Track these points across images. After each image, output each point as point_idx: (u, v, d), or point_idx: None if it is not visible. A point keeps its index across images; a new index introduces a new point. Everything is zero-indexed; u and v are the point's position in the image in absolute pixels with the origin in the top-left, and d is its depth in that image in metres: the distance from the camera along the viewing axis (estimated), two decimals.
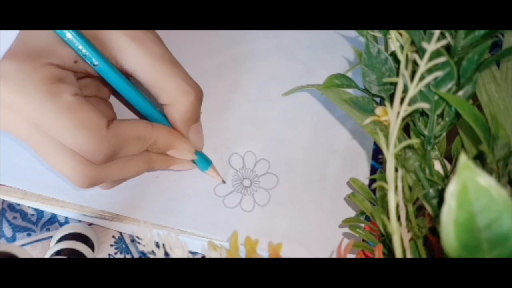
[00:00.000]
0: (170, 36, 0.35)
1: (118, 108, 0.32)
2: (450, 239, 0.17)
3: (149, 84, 0.27)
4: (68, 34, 0.24)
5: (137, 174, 0.29)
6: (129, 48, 0.26)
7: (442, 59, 0.23)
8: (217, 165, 0.32)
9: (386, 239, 0.28)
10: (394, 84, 0.27)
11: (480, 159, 0.25)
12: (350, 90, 0.30)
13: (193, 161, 0.31)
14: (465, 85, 0.25)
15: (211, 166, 0.32)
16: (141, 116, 0.30)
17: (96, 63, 0.26)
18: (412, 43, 0.26)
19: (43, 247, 0.31)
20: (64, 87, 0.24)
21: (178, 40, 0.36)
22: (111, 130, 0.26)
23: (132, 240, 0.32)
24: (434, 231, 0.26)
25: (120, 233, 0.32)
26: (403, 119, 0.25)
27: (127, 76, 0.28)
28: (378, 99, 0.30)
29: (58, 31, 0.24)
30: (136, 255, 0.32)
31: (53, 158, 0.25)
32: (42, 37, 0.25)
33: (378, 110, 0.27)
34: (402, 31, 0.26)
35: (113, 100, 0.33)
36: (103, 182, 0.27)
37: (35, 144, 0.25)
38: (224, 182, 0.32)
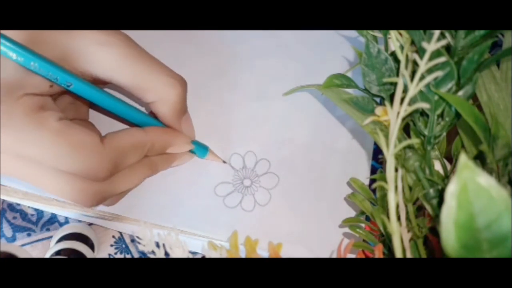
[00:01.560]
0: (170, 36, 0.36)
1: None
2: (450, 239, 0.17)
3: (131, 86, 0.27)
4: (32, 63, 0.23)
5: (142, 181, 0.29)
6: (101, 56, 0.25)
7: (442, 59, 0.23)
8: (218, 165, 0.32)
9: (386, 239, 0.28)
10: (394, 84, 0.27)
11: (480, 159, 0.25)
12: (350, 90, 0.30)
13: (191, 151, 0.31)
14: (465, 85, 0.25)
15: (209, 151, 0.32)
16: (128, 125, 0.30)
17: (69, 83, 0.25)
18: (412, 43, 0.26)
19: (43, 247, 0.31)
20: (48, 114, 0.24)
21: (178, 40, 0.36)
22: (106, 144, 0.25)
23: (132, 240, 0.32)
24: (434, 231, 0.26)
25: (120, 233, 0.32)
26: (403, 119, 0.25)
27: (105, 84, 0.27)
28: (378, 99, 0.30)
29: (21, 62, 0.23)
30: (136, 255, 0.32)
31: (56, 186, 0.25)
32: (7, 71, 0.23)
33: (378, 110, 0.27)
34: (402, 31, 0.26)
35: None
36: (110, 197, 0.27)
37: (32, 179, 0.24)
38: (225, 162, 0.33)
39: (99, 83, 0.27)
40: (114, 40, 0.25)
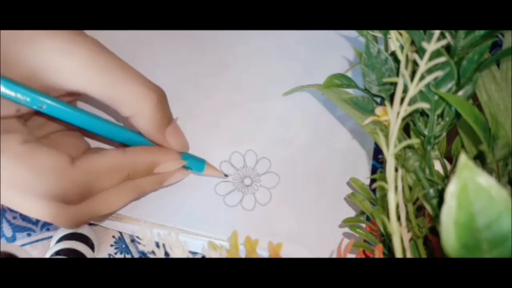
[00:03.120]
0: (170, 36, 0.36)
1: None
2: (450, 239, 0.17)
3: (104, 99, 0.25)
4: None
5: (127, 204, 0.28)
6: (67, 66, 0.23)
7: (442, 59, 0.23)
8: (218, 164, 0.32)
9: (386, 239, 0.28)
10: (394, 84, 0.27)
11: (480, 159, 0.25)
12: (350, 90, 0.30)
13: (185, 167, 0.30)
14: (465, 85, 0.25)
15: (207, 165, 0.31)
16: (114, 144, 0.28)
17: (41, 105, 0.23)
18: (412, 43, 0.26)
19: (43, 247, 0.31)
20: (10, 137, 0.23)
21: (178, 40, 0.36)
22: (77, 167, 0.24)
23: (132, 240, 0.32)
24: (434, 231, 0.26)
25: (120, 233, 0.32)
26: (403, 119, 0.25)
27: (79, 96, 0.26)
28: (378, 99, 0.30)
29: None
30: (136, 255, 0.32)
31: (31, 209, 0.24)
32: None
33: (378, 110, 0.27)
34: (402, 31, 0.26)
35: None
36: (90, 219, 0.26)
37: (8, 202, 0.23)
38: (226, 176, 0.32)
39: (75, 97, 0.26)
40: (80, 49, 0.24)
